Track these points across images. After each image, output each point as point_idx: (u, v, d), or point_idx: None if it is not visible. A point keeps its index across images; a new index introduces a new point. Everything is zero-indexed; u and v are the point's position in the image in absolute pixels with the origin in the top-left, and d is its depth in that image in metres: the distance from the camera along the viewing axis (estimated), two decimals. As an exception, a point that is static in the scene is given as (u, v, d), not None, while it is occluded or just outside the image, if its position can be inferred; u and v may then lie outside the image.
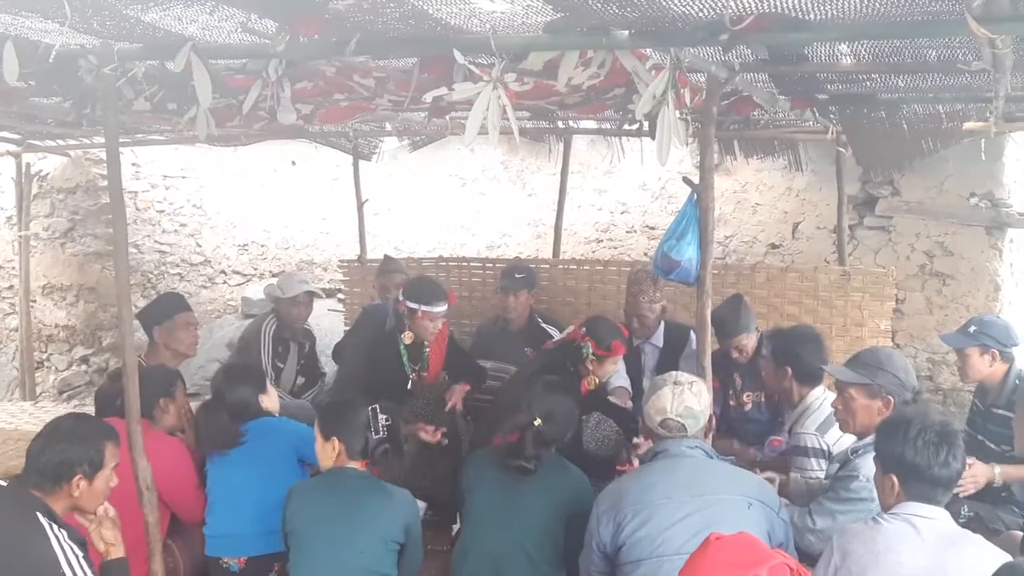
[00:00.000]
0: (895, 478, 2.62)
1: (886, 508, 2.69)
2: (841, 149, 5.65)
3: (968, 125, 4.86)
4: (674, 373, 3.13)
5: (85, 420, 2.97)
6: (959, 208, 6.13)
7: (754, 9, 2.32)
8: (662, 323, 5.14)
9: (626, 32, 2.59)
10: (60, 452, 2.77)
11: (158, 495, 3.42)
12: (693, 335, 5.08)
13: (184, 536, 3.76)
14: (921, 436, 2.57)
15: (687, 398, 2.97)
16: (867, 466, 3.07)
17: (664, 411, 2.96)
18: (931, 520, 2.55)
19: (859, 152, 5.62)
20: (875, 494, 2.98)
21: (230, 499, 3.60)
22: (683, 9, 2.34)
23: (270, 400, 3.87)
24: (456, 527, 3.90)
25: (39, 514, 2.68)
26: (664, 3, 2.31)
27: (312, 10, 2.60)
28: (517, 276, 5.52)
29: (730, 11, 2.29)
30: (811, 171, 6.51)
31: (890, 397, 3.23)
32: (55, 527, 2.69)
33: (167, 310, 4.73)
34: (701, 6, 2.31)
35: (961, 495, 3.76)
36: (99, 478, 2.85)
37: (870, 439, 3.20)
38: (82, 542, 2.77)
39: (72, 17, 2.57)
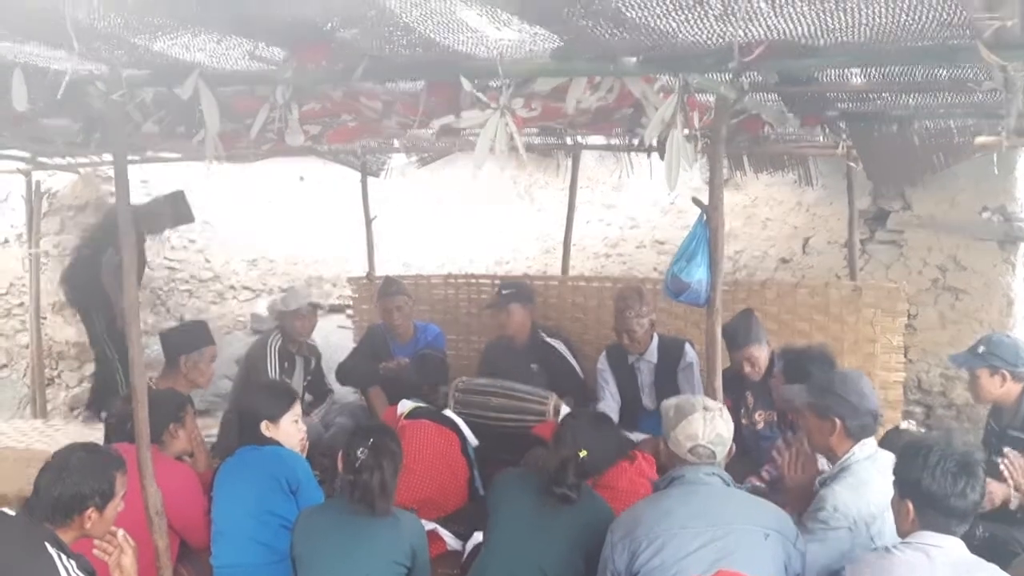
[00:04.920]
0: (910, 504, 2.59)
1: (901, 534, 2.67)
2: (852, 164, 5.62)
3: (980, 140, 4.83)
4: (701, 398, 3.10)
5: (94, 452, 2.95)
6: (971, 222, 6.10)
7: (764, 37, 2.31)
8: (655, 338, 5.14)
9: (634, 59, 2.58)
10: (72, 486, 2.77)
11: (167, 521, 3.42)
12: (688, 347, 5.10)
13: (193, 562, 3.74)
14: (940, 464, 2.54)
15: (718, 424, 2.95)
16: (832, 496, 3.06)
17: (695, 437, 2.92)
18: (944, 548, 2.53)
19: (870, 167, 5.60)
20: (844, 522, 3.01)
21: (234, 529, 3.56)
22: (693, 38, 2.33)
23: (279, 430, 3.75)
24: (468, 548, 3.88)
25: (48, 544, 2.69)
26: (672, 32, 2.29)
27: (319, 39, 2.60)
28: (505, 292, 5.53)
29: (739, 38, 2.27)
30: (821, 186, 6.47)
31: (836, 419, 3.19)
32: (64, 557, 2.69)
33: (197, 341, 4.76)
34: (710, 34, 2.30)
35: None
36: (109, 508, 2.86)
37: (837, 468, 3.20)
38: (91, 572, 2.77)
39: (80, 47, 2.58)
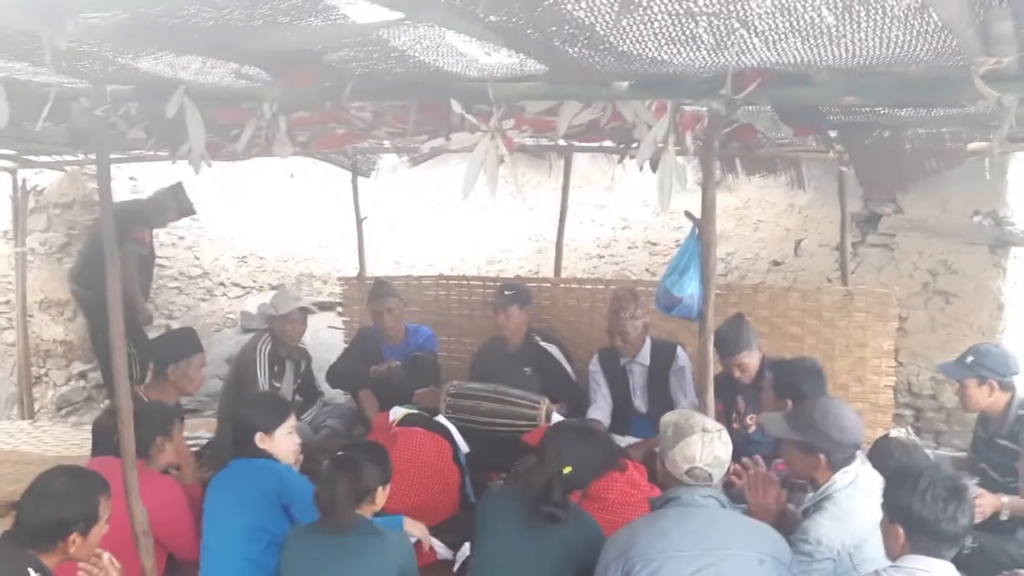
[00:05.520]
0: (901, 529, 2.59)
1: (891, 557, 2.66)
2: (843, 168, 5.60)
3: (972, 146, 4.81)
4: (700, 418, 3.05)
5: (78, 476, 2.92)
6: (962, 226, 6.08)
7: (757, 67, 2.27)
8: (648, 341, 5.12)
9: (625, 83, 2.55)
10: (55, 512, 2.75)
11: (154, 537, 3.40)
12: (680, 351, 5.09)
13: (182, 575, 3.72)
14: (930, 490, 2.54)
15: (716, 447, 2.90)
16: (815, 528, 3.07)
17: (692, 459, 2.88)
18: (934, 573, 2.52)
19: (862, 172, 5.56)
20: (828, 554, 3.01)
21: (223, 545, 3.51)
22: (685, 69, 2.30)
23: (273, 442, 3.70)
24: (459, 559, 3.87)
25: (31, 570, 2.66)
26: (666, 62, 2.26)
27: (306, 61, 2.55)
28: (507, 293, 5.50)
29: (732, 67, 2.24)
30: (813, 188, 6.46)
31: (821, 455, 3.20)
32: (47, 583, 2.67)
33: (184, 349, 4.72)
34: (703, 64, 2.26)
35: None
36: (93, 532, 2.84)
37: (819, 496, 3.20)
38: (75, 597, 2.75)
39: (61, 65, 2.53)
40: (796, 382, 4.01)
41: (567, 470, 3.26)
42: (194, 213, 7.25)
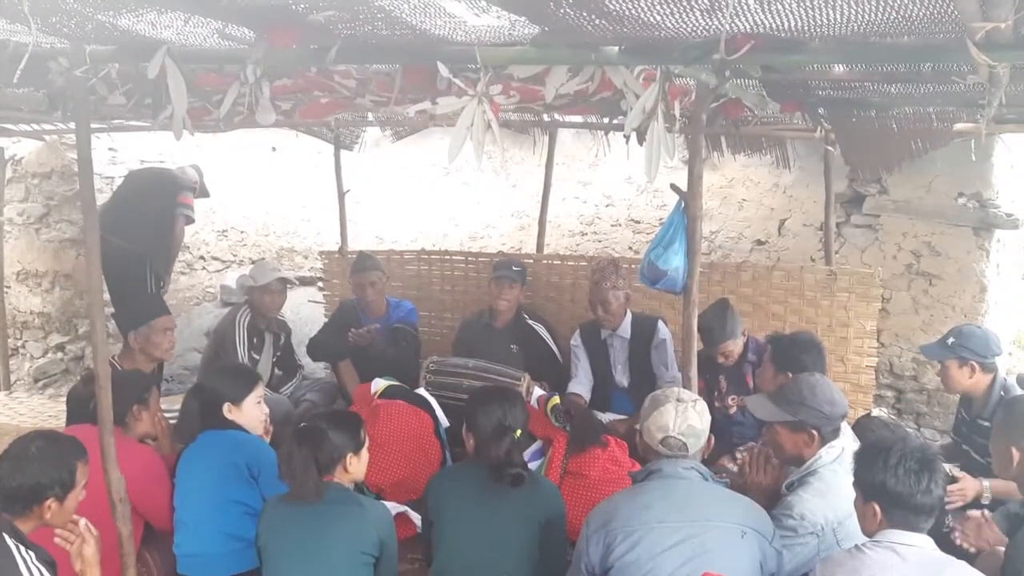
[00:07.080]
0: (877, 506, 2.59)
1: (868, 535, 2.66)
2: (829, 148, 5.59)
3: (959, 126, 4.80)
4: (676, 389, 3.06)
5: (55, 441, 2.87)
6: (947, 208, 6.09)
7: (750, 31, 2.24)
8: (629, 314, 5.11)
9: (616, 48, 2.51)
10: (31, 476, 2.71)
11: (131, 505, 3.36)
12: (660, 324, 5.10)
13: (159, 544, 3.67)
14: (902, 464, 2.55)
15: (690, 416, 2.90)
16: (800, 503, 3.07)
17: (666, 428, 2.89)
18: (914, 547, 2.53)
19: (847, 152, 5.56)
20: (812, 529, 3.02)
21: (196, 518, 3.49)
22: (677, 32, 2.26)
23: (242, 413, 3.67)
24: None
25: (6, 536, 2.61)
26: (657, 24, 2.22)
27: (290, 21, 2.50)
28: (515, 268, 5.48)
29: (725, 32, 2.20)
30: (799, 168, 6.45)
31: (814, 431, 3.21)
32: (22, 549, 2.62)
33: (143, 315, 4.63)
34: (695, 27, 2.23)
35: (948, 509, 3.72)
36: (70, 498, 2.80)
37: (804, 472, 3.20)
38: (51, 563, 2.70)
39: (39, 22, 2.47)
40: (797, 355, 4.02)
41: (518, 434, 3.30)
42: (208, 196, 7.14)
